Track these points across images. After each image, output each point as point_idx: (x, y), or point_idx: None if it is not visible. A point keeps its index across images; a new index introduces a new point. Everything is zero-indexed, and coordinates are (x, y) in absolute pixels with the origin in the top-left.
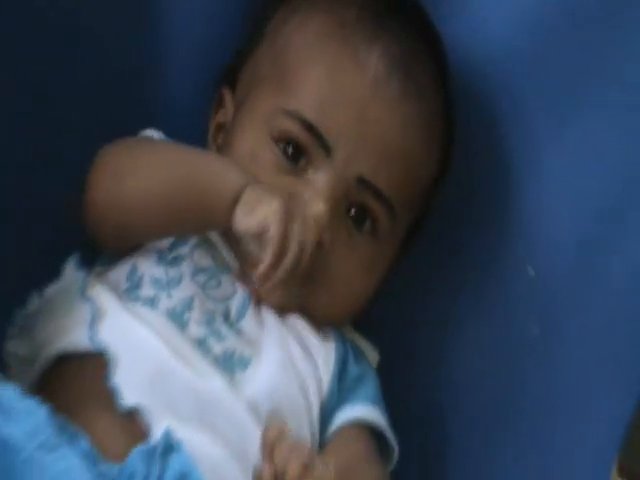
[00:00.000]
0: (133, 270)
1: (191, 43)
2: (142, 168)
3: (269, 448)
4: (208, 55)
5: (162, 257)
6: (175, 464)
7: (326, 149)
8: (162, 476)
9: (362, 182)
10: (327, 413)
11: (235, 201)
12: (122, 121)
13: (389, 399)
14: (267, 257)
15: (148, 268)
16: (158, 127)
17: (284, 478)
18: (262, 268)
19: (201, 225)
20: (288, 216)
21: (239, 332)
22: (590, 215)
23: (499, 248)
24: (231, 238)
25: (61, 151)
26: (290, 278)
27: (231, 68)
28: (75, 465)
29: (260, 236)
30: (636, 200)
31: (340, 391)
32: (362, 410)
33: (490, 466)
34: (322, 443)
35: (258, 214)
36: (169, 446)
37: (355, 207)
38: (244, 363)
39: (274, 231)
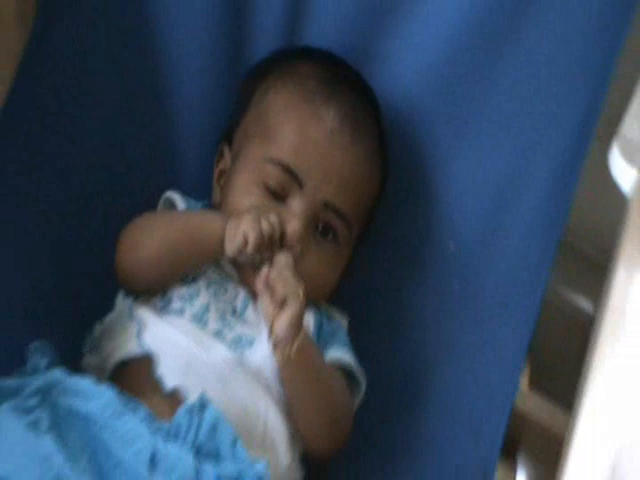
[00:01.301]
0: (164, 293)
1: (199, 116)
2: (151, 236)
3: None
4: (211, 122)
5: (184, 279)
6: (208, 416)
7: (299, 183)
8: (200, 424)
9: (327, 205)
10: None
11: (221, 238)
12: (155, 179)
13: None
14: (250, 250)
15: (175, 289)
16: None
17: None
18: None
19: (202, 261)
20: (257, 217)
21: (244, 321)
22: (490, 201)
23: (427, 232)
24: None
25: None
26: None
27: (228, 129)
28: (137, 425)
29: (245, 248)
30: (523, 184)
31: (319, 343)
32: (335, 352)
33: (438, 381)
34: None
35: (237, 236)
36: (203, 405)
37: (322, 223)
38: (250, 342)
39: (247, 226)
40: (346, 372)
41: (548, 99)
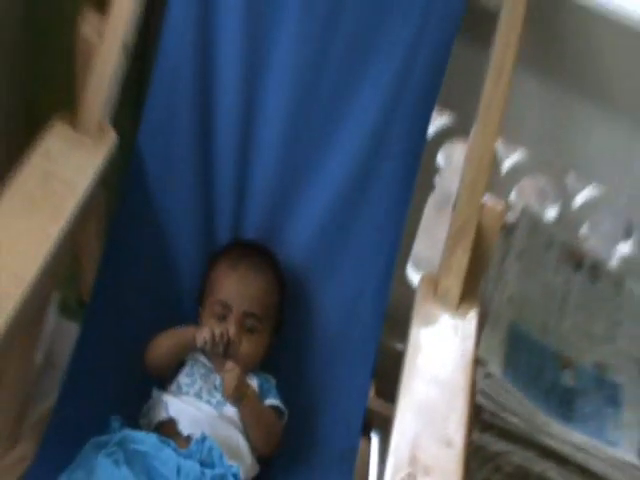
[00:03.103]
0: (176, 383)
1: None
2: (158, 346)
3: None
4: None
5: (187, 374)
6: (207, 445)
7: (230, 308)
8: (202, 449)
9: (246, 313)
10: None
11: (191, 338)
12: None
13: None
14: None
15: (182, 380)
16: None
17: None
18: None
19: (187, 351)
20: (211, 328)
21: (220, 392)
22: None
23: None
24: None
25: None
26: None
27: (200, 295)
28: (170, 453)
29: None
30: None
31: (262, 394)
32: (271, 400)
33: (326, 395)
34: None
35: (201, 334)
36: (204, 439)
37: (247, 323)
38: (224, 403)
39: (206, 332)
40: (277, 409)
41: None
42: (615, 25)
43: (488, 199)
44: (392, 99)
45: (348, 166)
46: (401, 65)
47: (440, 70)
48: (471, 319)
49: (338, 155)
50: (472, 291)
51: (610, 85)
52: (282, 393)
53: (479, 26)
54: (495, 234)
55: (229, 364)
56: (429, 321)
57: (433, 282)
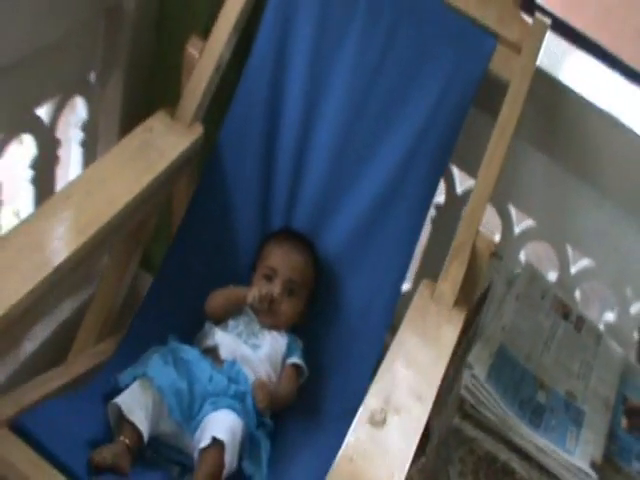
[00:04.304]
0: (225, 324)
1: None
2: (214, 298)
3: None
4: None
5: (234, 319)
6: (235, 367)
7: (276, 273)
8: (232, 369)
9: (289, 280)
10: (284, 359)
11: (243, 296)
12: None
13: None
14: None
15: (230, 322)
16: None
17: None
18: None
19: (238, 305)
20: (258, 288)
21: (256, 337)
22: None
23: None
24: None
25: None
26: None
27: (253, 263)
28: (207, 365)
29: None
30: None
31: (288, 352)
32: (294, 359)
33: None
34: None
35: (250, 294)
36: (233, 363)
37: (289, 287)
38: (258, 346)
39: (255, 291)
40: (299, 368)
41: None
42: (609, 123)
43: (482, 229)
44: (419, 136)
45: (380, 185)
46: (429, 109)
47: (460, 117)
48: (459, 319)
49: (373, 174)
50: (464, 301)
51: (604, 174)
52: (306, 356)
53: (490, 95)
54: (486, 256)
55: (259, 382)
56: (422, 312)
57: (431, 287)
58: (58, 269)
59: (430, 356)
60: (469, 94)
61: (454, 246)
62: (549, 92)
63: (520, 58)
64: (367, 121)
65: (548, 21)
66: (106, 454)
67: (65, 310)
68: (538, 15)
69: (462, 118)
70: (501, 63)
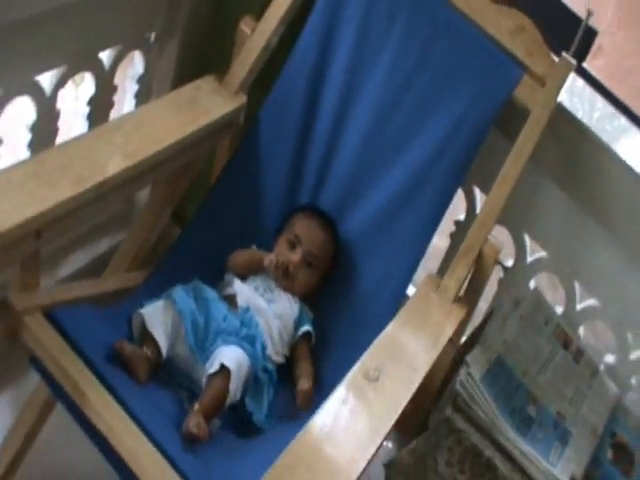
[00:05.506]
0: (245, 277)
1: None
2: (237, 256)
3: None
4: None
5: (253, 274)
6: (248, 314)
7: (300, 241)
8: (245, 315)
9: (309, 252)
10: (296, 325)
11: (262, 259)
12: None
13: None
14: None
15: (248, 277)
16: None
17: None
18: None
19: (256, 267)
20: (275, 255)
21: (272, 293)
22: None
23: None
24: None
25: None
26: (288, 276)
27: (280, 227)
28: (224, 306)
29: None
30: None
31: (299, 320)
32: (306, 327)
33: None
34: (294, 336)
35: (267, 258)
36: (247, 309)
37: (308, 259)
38: (273, 301)
39: (272, 257)
40: (309, 335)
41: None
42: (625, 171)
43: (490, 237)
44: (440, 147)
45: (400, 184)
46: (451, 125)
47: (479, 136)
48: (458, 315)
49: (395, 174)
50: (466, 300)
51: (617, 219)
52: (315, 327)
53: (511, 120)
54: (491, 262)
55: (307, 388)
56: (424, 301)
57: (436, 281)
58: (104, 183)
59: (423, 343)
60: (490, 116)
61: (462, 248)
62: (572, 133)
63: (543, 91)
64: (394, 126)
65: (573, 62)
66: (127, 346)
67: (102, 245)
68: (565, 55)
69: (481, 138)
70: (525, 92)
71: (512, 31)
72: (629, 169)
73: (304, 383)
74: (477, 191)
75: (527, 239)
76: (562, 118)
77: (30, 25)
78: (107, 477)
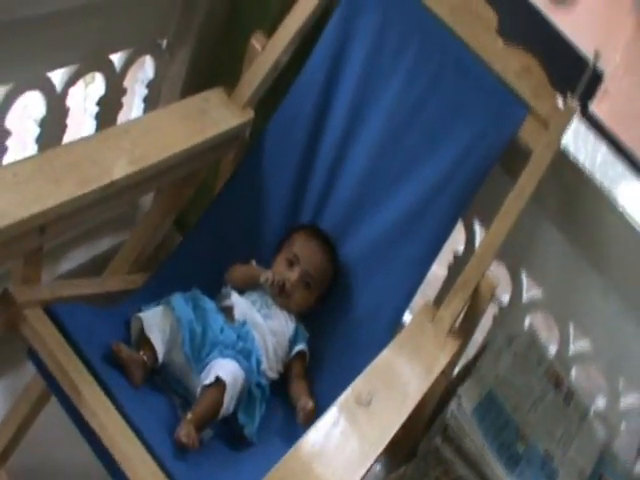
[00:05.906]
0: (241, 291)
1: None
2: (234, 272)
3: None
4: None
5: (250, 288)
6: (245, 328)
7: (298, 261)
8: (242, 328)
9: (307, 273)
10: (291, 343)
11: (259, 275)
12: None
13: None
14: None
15: (246, 292)
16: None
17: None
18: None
19: (253, 282)
20: (273, 272)
21: (269, 309)
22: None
23: None
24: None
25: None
26: (284, 294)
27: (279, 246)
28: (221, 318)
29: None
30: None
31: (295, 338)
32: (301, 346)
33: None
34: (288, 354)
35: (264, 275)
36: (244, 323)
37: (305, 279)
38: (269, 317)
39: (270, 274)
40: (303, 354)
41: None
42: (622, 220)
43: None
44: (444, 178)
45: (402, 211)
46: (455, 158)
47: (482, 172)
48: (452, 346)
49: (397, 201)
50: (460, 333)
51: (613, 266)
52: (310, 346)
53: (514, 158)
54: (487, 297)
55: (310, 407)
56: (420, 329)
57: (432, 312)
58: (109, 185)
59: (416, 372)
60: (494, 154)
61: (460, 281)
62: (574, 177)
63: (546, 132)
64: (399, 153)
65: (577, 106)
66: (124, 349)
67: (104, 244)
68: (569, 98)
69: (484, 173)
70: (528, 132)
71: (518, 71)
72: (628, 217)
73: (307, 402)
74: (477, 225)
75: (524, 277)
76: (564, 161)
77: (47, 21)
78: (99, 476)
